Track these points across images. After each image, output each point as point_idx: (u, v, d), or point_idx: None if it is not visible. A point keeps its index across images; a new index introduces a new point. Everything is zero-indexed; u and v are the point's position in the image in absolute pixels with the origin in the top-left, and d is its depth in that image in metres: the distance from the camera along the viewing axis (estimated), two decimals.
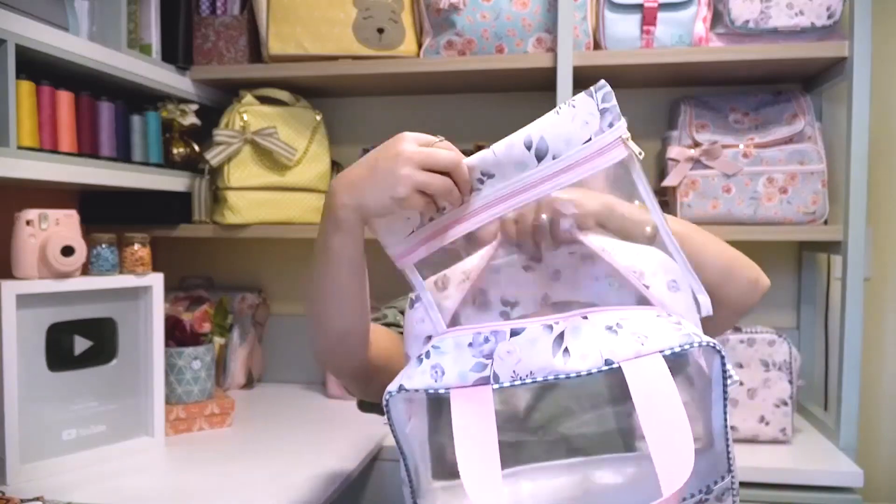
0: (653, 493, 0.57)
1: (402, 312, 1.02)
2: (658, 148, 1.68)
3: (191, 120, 1.61)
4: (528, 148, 0.70)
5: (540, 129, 0.70)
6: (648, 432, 0.58)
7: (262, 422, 1.53)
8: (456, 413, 0.64)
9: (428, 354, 0.69)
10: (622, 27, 1.49)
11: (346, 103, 1.85)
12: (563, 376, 0.64)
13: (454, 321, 0.76)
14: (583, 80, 1.54)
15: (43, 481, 1.15)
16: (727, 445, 0.69)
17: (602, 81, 0.72)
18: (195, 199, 1.64)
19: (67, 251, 1.18)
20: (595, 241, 0.76)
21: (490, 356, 0.67)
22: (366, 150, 1.71)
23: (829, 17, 1.41)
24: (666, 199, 1.61)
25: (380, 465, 1.41)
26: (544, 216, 0.77)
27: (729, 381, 0.66)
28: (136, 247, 1.31)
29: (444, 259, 0.80)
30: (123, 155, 1.46)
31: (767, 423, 1.40)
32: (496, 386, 0.65)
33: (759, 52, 1.44)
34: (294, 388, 1.85)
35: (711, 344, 0.64)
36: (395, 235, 0.74)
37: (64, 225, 1.21)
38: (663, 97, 1.69)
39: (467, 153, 0.74)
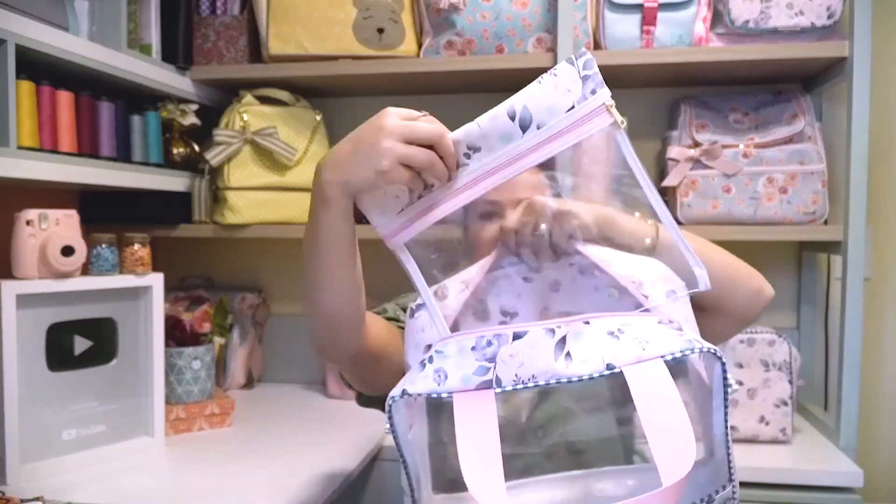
0: None
1: (404, 309, 1.03)
2: (658, 148, 1.68)
3: (191, 120, 1.61)
4: (512, 118, 0.70)
5: (523, 99, 0.70)
6: (651, 437, 0.59)
7: (262, 422, 1.53)
8: (459, 417, 0.64)
9: (431, 359, 0.69)
10: (622, 27, 1.49)
11: (346, 103, 1.85)
12: (564, 380, 0.64)
13: (453, 331, 0.76)
14: None
15: (43, 481, 1.15)
16: (728, 454, 0.69)
17: (583, 49, 0.71)
18: (195, 199, 1.64)
19: (67, 251, 1.18)
20: (594, 251, 0.76)
21: (493, 360, 0.67)
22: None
23: (829, 17, 1.41)
24: (666, 199, 1.61)
25: (380, 465, 1.41)
26: (543, 226, 0.77)
27: (730, 390, 0.67)
28: (136, 247, 1.31)
29: (442, 263, 0.80)
30: (123, 155, 1.46)
31: (767, 423, 1.40)
32: (498, 390, 0.65)
33: (759, 52, 1.44)
34: (294, 388, 1.85)
35: (712, 350, 0.64)
36: (384, 215, 0.74)
37: (64, 225, 1.21)
38: (663, 97, 1.69)
39: None
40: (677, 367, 0.67)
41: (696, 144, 1.49)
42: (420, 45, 1.60)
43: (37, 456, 1.17)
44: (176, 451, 1.34)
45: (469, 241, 1.02)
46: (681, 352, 0.63)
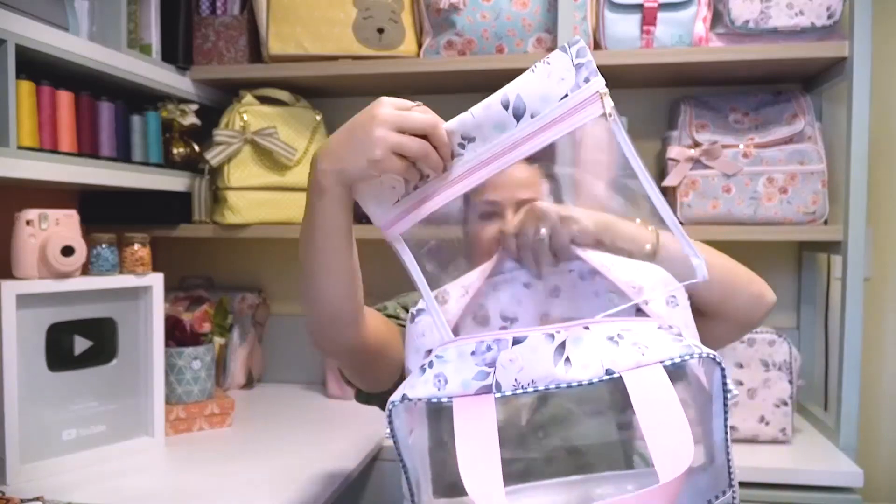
0: None
1: (404, 307, 1.03)
2: (658, 148, 1.68)
3: (191, 120, 1.61)
4: (506, 107, 0.70)
5: (516, 87, 0.70)
6: (651, 442, 0.59)
7: (262, 422, 1.53)
8: (458, 422, 0.64)
9: (431, 364, 0.69)
10: (622, 27, 1.49)
11: (346, 103, 1.85)
12: (564, 385, 0.64)
13: (454, 335, 0.76)
14: None
15: (43, 481, 1.15)
16: (728, 459, 0.69)
17: (576, 37, 0.71)
18: (195, 199, 1.64)
19: (67, 251, 1.18)
20: (594, 257, 0.76)
21: (492, 364, 0.67)
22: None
23: (829, 17, 1.41)
24: (666, 199, 1.61)
25: (380, 465, 1.41)
26: (544, 231, 0.77)
27: (729, 395, 0.67)
28: (136, 247, 1.31)
29: (442, 264, 0.80)
30: (123, 155, 1.46)
31: (767, 423, 1.40)
32: (498, 395, 0.65)
33: (759, 52, 1.44)
34: (294, 388, 1.85)
35: (712, 356, 0.64)
36: (380, 206, 0.74)
37: (64, 225, 1.21)
38: (663, 97, 1.69)
39: None
40: (677, 372, 0.67)
41: (696, 144, 1.49)
42: (420, 45, 1.60)
43: (37, 456, 1.17)
44: (176, 451, 1.34)
45: (469, 242, 1.02)
46: (680, 357, 0.63)
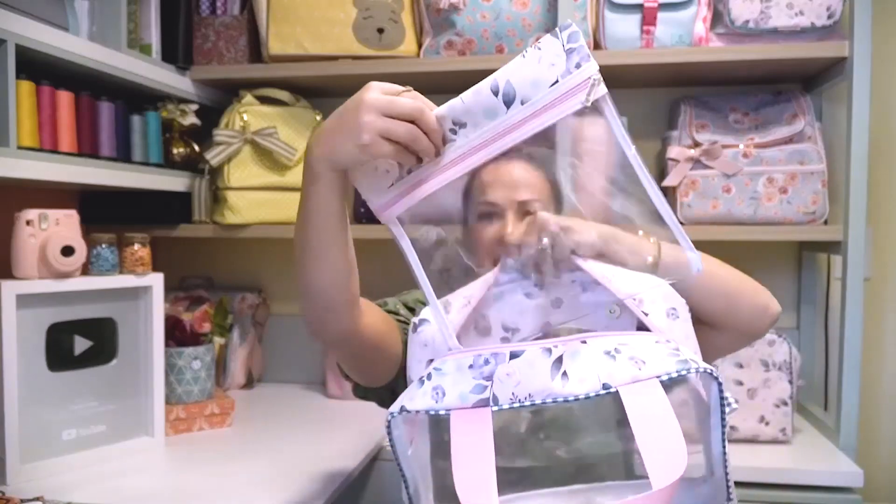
0: None
1: (406, 304, 1.03)
2: (658, 148, 1.68)
3: (191, 120, 1.61)
4: (496, 93, 0.69)
5: (506, 73, 0.69)
6: (646, 457, 0.59)
7: (262, 422, 1.53)
8: (455, 434, 0.65)
9: (430, 376, 0.69)
10: (622, 27, 1.49)
11: None
12: (561, 399, 0.64)
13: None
14: None
15: (43, 481, 1.15)
16: (726, 473, 0.69)
17: (568, 21, 0.69)
18: (195, 199, 1.64)
19: (67, 251, 1.18)
20: (596, 268, 0.76)
21: (490, 378, 0.67)
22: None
23: (829, 17, 1.41)
24: (666, 200, 1.61)
25: (380, 465, 1.41)
26: (546, 241, 0.77)
27: (728, 409, 0.67)
28: (136, 247, 1.31)
29: (443, 266, 0.80)
30: (123, 155, 1.46)
31: (767, 423, 1.40)
32: (495, 408, 0.66)
33: (759, 52, 1.44)
34: (294, 388, 1.85)
35: (708, 370, 0.64)
36: (375, 189, 0.74)
37: (64, 225, 1.21)
38: (663, 97, 1.69)
39: None
40: (679, 382, 0.67)
41: (696, 144, 1.49)
42: (420, 45, 1.60)
43: (37, 456, 1.17)
44: (176, 451, 1.34)
45: (469, 243, 1.02)
46: (677, 372, 0.64)
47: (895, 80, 1.65)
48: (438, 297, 0.77)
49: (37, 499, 1.05)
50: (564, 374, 0.65)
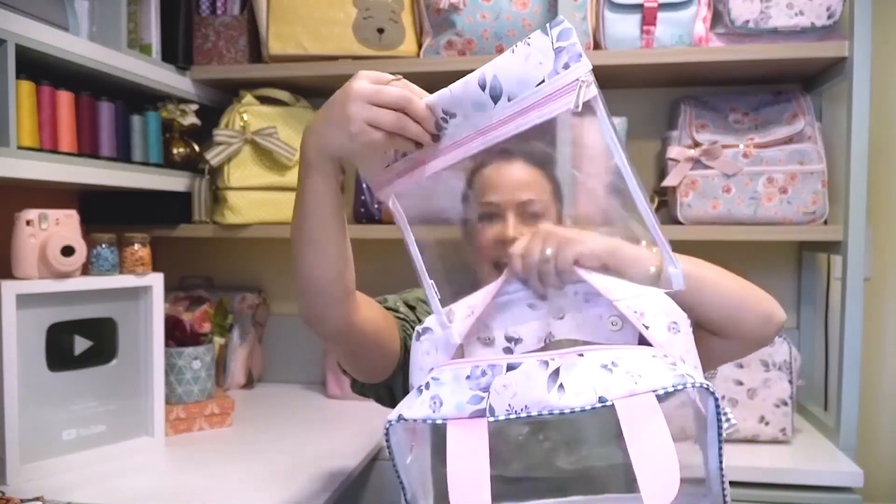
0: None
1: (406, 302, 1.03)
2: (658, 148, 1.68)
3: (191, 120, 1.61)
4: (483, 88, 0.68)
5: (494, 68, 0.68)
6: (639, 471, 0.59)
7: (262, 422, 1.53)
8: (451, 444, 0.65)
9: (427, 385, 0.70)
10: (622, 27, 1.49)
11: None
12: (557, 412, 0.64)
13: (459, 355, 0.77)
14: None
15: (43, 481, 1.15)
16: (723, 489, 0.69)
17: (560, 17, 0.66)
18: (195, 199, 1.64)
19: (67, 251, 1.18)
20: (598, 280, 0.76)
21: (487, 389, 0.67)
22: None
23: (829, 17, 1.41)
24: (666, 199, 1.61)
25: (380, 465, 1.41)
26: (549, 252, 0.77)
27: (726, 425, 0.67)
28: (136, 247, 1.31)
29: (445, 267, 0.80)
30: (123, 155, 1.46)
31: (767, 423, 1.40)
32: (492, 419, 0.66)
33: (759, 52, 1.44)
34: (294, 388, 1.85)
35: (705, 385, 0.64)
36: (371, 168, 0.76)
37: (64, 225, 1.21)
38: (663, 97, 1.69)
39: None
40: (678, 397, 0.67)
41: (696, 144, 1.49)
42: (420, 45, 1.60)
43: (37, 456, 1.17)
44: (176, 451, 1.34)
45: (469, 243, 1.02)
46: (673, 386, 0.64)
47: (895, 80, 1.65)
48: (437, 292, 0.78)
49: (37, 499, 1.05)
50: (561, 386, 0.65)
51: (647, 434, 0.61)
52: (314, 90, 1.75)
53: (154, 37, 1.55)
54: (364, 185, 1.63)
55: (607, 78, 1.63)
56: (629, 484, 0.80)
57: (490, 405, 0.66)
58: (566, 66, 0.65)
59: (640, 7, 1.47)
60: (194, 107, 1.63)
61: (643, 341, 0.73)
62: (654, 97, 1.71)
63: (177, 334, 1.52)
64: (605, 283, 0.76)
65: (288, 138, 1.65)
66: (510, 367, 0.67)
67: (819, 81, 1.57)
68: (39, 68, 1.24)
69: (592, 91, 0.64)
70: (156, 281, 1.32)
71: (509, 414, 0.66)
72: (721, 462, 0.67)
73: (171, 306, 1.67)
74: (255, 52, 1.67)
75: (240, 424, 1.51)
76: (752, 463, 1.30)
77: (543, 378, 0.66)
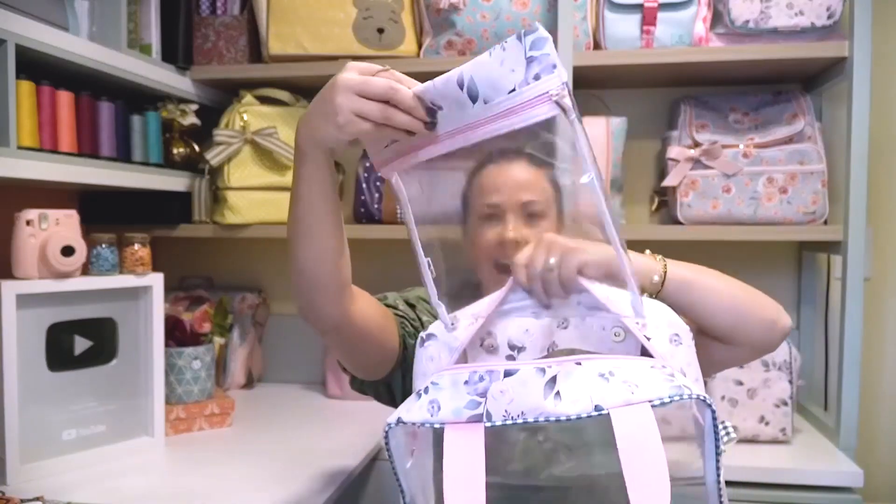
0: None
1: (406, 301, 1.03)
2: (658, 148, 1.68)
3: (191, 120, 1.61)
4: (461, 87, 0.68)
5: (471, 68, 0.67)
6: (629, 481, 0.60)
7: (262, 422, 1.53)
8: (448, 448, 0.66)
9: (427, 390, 0.70)
10: (622, 27, 1.49)
11: None
12: (553, 419, 0.65)
13: (462, 361, 0.77)
14: (583, 80, 1.55)
15: (43, 481, 1.15)
16: (720, 502, 0.69)
17: (535, 24, 0.64)
18: (195, 199, 1.64)
19: (67, 251, 1.18)
20: (600, 290, 0.77)
21: (484, 395, 0.68)
22: (366, 151, 1.71)
23: (829, 17, 1.41)
24: (666, 199, 1.61)
25: (380, 465, 1.41)
26: (552, 261, 0.77)
27: (726, 438, 0.67)
28: (136, 247, 1.31)
29: (446, 267, 0.80)
30: (123, 155, 1.46)
31: (767, 423, 1.40)
32: (488, 424, 0.66)
33: (759, 52, 1.44)
34: (294, 388, 1.85)
35: (702, 397, 0.64)
36: (375, 146, 0.77)
37: (64, 225, 1.21)
38: (663, 97, 1.69)
39: None
40: (677, 407, 0.67)
41: (696, 144, 1.49)
42: (420, 45, 1.60)
43: (37, 456, 1.17)
44: (176, 451, 1.34)
45: (470, 244, 1.02)
46: (669, 397, 0.64)
47: (895, 80, 1.65)
48: (433, 271, 0.79)
49: (37, 499, 1.05)
50: (557, 393, 0.66)
51: (640, 445, 0.61)
52: (314, 90, 1.71)
53: (154, 37, 1.55)
54: (364, 185, 1.63)
55: (607, 78, 1.63)
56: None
57: (487, 410, 0.67)
58: (537, 77, 0.64)
59: (640, 7, 1.47)
60: (194, 107, 1.63)
61: (646, 352, 0.73)
62: (654, 97, 1.71)
63: (177, 334, 1.52)
64: (609, 293, 0.77)
65: (288, 138, 1.64)
66: (507, 374, 0.68)
67: (819, 81, 1.57)
68: (39, 68, 1.24)
69: (566, 104, 0.63)
70: (156, 281, 1.32)
71: (506, 419, 0.66)
72: (719, 475, 0.68)
73: (171, 306, 1.67)
74: (255, 52, 1.67)
75: (240, 424, 1.51)
76: (752, 463, 1.30)
77: (540, 385, 0.66)
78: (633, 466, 0.61)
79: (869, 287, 1.65)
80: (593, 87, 1.66)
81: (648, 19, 1.47)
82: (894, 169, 1.67)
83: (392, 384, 0.99)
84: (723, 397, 1.40)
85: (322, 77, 1.60)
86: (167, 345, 1.44)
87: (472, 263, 1.02)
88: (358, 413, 1.59)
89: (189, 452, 1.33)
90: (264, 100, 1.68)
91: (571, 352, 0.77)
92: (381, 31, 1.57)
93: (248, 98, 1.65)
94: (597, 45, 1.53)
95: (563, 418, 0.65)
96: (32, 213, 1.18)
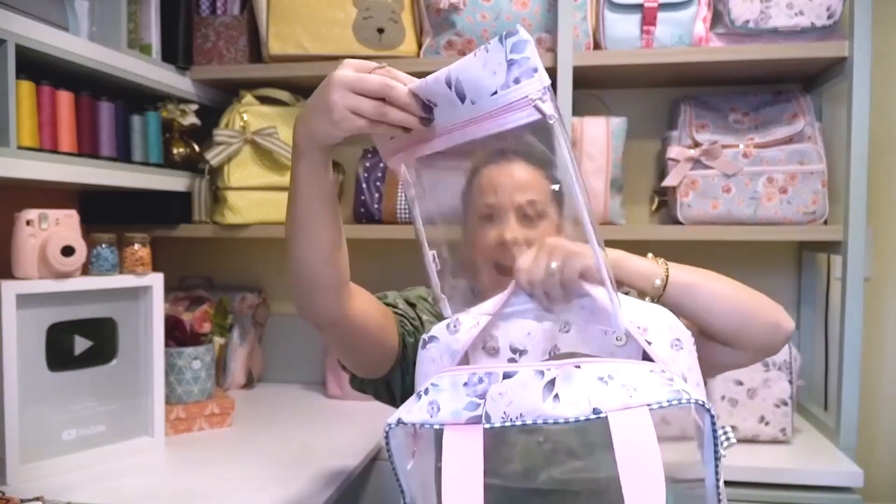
0: None
1: (407, 300, 1.03)
2: (658, 148, 1.68)
3: (191, 120, 1.61)
4: (449, 86, 0.69)
5: (457, 69, 0.68)
6: (625, 484, 0.60)
7: (262, 422, 1.53)
8: (447, 449, 0.66)
9: (427, 391, 0.71)
10: (622, 27, 1.49)
11: None
12: (551, 421, 0.65)
13: (464, 364, 0.78)
14: (583, 80, 1.54)
15: (43, 481, 1.15)
16: None
17: (517, 27, 0.63)
18: (195, 199, 1.64)
19: (67, 251, 1.18)
20: (602, 294, 0.77)
21: (483, 396, 0.68)
22: (366, 151, 1.71)
23: (829, 17, 1.41)
24: (666, 199, 1.61)
25: (380, 465, 1.41)
26: (554, 265, 0.77)
27: (726, 443, 0.67)
28: (136, 247, 1.31)
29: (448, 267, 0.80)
30: (123, 155, 1.46)
31: (767, 423, 1.40)
32: (487, 426, 0.67)
33: (759, 52, 1.44)
34: (294, 388, 1.85)
35: (700, 402, 0.64)
36: (381, 139, 0.78)
37: (64, 225, 1.21)
38: (663, 97, 1.69)
39: None
40: (678, 411, 0.67)
41: (696, 144, 1.49)
42: (420, 45, 1.60)
43: (37, 456, 1.17)
44: (176, 451, 1.34)
45: (470, 245, 1.02)
46: (668, 402, 0.64)
47: (895, 80, 1.65)
48: (437, 265, 0.80)
49: (37, 499, 1.05)
50: (556, 396, 0.66)
51: (637, 448, 0.62)
52: (314, 90, 1.74)
53: (154, 37, 1.55)
54: (364, 185, 1.63)
55: (607, 78, 1.63)
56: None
57: (486, 412, 0.67)
58: (517, 81, 0.64)
59: (640, 7, 1.47)
60: (194, 107, 1.63)
61: (647, 357, 0.73)
62: (654, 97, 1.71)
63: (177, 334, 1.52)
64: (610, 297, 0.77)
65: (288, 138, 1.64)
66: (506, 376, 0.68)
67: (819, 81, 1.57)
68: (39, 68, 1.24)
69: (547, 109, 0.63)
70: (156, 281, 1.33)
71: (504, 421, 0.67)
72: (718, 479, 0.68)
73: (171, 306, 1.67)
74: (255, 52, 1.67)
75: (240, 424, 1.51)
76: (752, 463, 1.30)
77: (539, 387, 0.67)
78: (630, 469, 0.61)
79: (869, 287, 1.65)
80: (593, 87, 1.66)
81: (648, 19, 1.47)
82: (894, 169, 1.67)
83: (391, 383, 0.99)
84: (723, 397, 1.40)
85: (322, 77, 1.60)
86: (167, 345, 1.44)
87: (472, 264, 1.02)
88: (358, 413, 1.59)
89: (189, 452, 1.33)
90: (264, 100, 1.68)
91: (573, 355, 0.77)
92: (381, 31, 1.57)
93: (248, 98, 1.65)
94: (597, 45, 1.53)
95: (561, 421, 0.65)
96: (32, 213, 1.18)
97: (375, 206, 1.62)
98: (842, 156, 1.41)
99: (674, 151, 1.49)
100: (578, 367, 0.68)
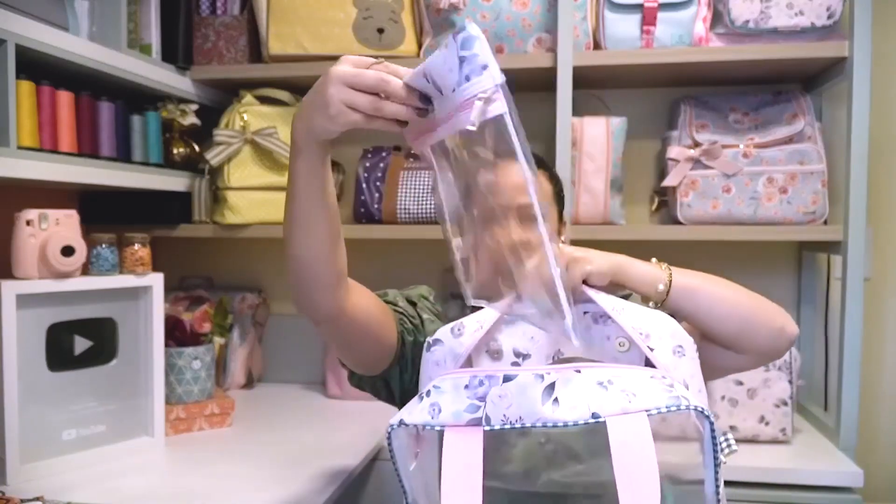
0: None
1: (408, 299, 1.03)
2: (658, 148, 1.68)
3: (191, 120, 1.61)
4: (427, 80, 0.69)
5: (428, 64, 0.67)
6: (621, 489, 0.61)
7: (262, 422, 1.53)
8: (447, 450, 0.67)
9: (428, 393, 0.71)
10: (622, 27, 1.49)
11: None
12: (550, 424, 0.66)
13: (467, 366, 0.78)
14: (583, 80, 1.54)
15: (43, 481, 1.15)
16: None
17: (463, 23, 0.62)
18: (195, 199, 1.64)
19: (67, 251, 1.18)
20: (605, 300, 0.77)
21: (483, 399, 0.69)
22: (366, 151, 1.71)
23: (829, 17, 1.41)
24: (666, 199, 1.61)
25: (380, 465, 1.41)
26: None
27: (727, 450, 0.67)
28: (136, 247, 1.31)
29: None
30: (123, 155, 1.46)
31: (767, 423, 1.40)
32: (487, 428, 0.67)
33: (759, 52, 1.44)
34: (294, 388, 1.85)
35: (700, 409, 0.64)
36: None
37: (64, 225, 1.21)
38: (663, 97, 1.69)
39: None
40: (678, 417, 0.67)
41: (696, 144, 1.49)
42: (420, 45, 1.60)
43: (37, 456, 1.17)
44: (176, 451, 1.34)
45: (470, 246, 1.02)
46: (667, 408, 0.64)
47: (895, 80, 1.65)
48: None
49: (37, 499, 1.05)
50: (556, 400, 0.67)
51: (634, 453, 0.62)
52: None
53: (154, 37, 1.55)
54: (364, 185, 1.63)
55: (607, 78, 1.63)
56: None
57: (486, 414, 0.68)
58: (467, 79, 0.63)
59: (640, 7, 1.47)
60: (194, 107, 1.63)
61: (650, 363, 0.73)
62: (654, 97, 1.71)
63: (177, 334, 1.52)
64: (613, 303, 0.77)
65: (288, 138, 1.63)
66: (507, 379, 0.69)
67: (819, 81, 1.57)
68: (39, 68, 1.24)
69: (499, 108, 0.62)
70: (156, 281, 1.33)
71: (504, 424, 0.67)
72: (717, 485, 0.68)
73: (171, 306, 1.67)
74: (255, 52, 1.67)
75: (240, 424, 1.51)
76: (752, 463, 1.30)
77: (538, 391, 0.67)
78: (626, 474, 0.61)
79: (869, 287, 1.65)
80: (593, 87, 1.66)
81: (648, 19, 1.47)
82: (894, 169, 1.67)
83: (390, 380, 0.99)
84: (723, 397, 1.40)
85: None
86: (167, 345, 1.44)
87: (473, 265, 1.02)
88: (358, 413, 1.59)
89: (189, 452, 1.33)
90: (264, 100, 1.68)
91: (576, 360, 0.77)
92: (381, 31, 1.57)
93: (248, 98, 1.65)
94: (597, 45, 1.53)
95: (560, 424, 0.65)
96: (32, 213, 1.18)
97: (375, 206, 1.62)
98: (842, 156, 1.41)
99: (674, 151, 1.49)
100: (579, 371, 0.68)
